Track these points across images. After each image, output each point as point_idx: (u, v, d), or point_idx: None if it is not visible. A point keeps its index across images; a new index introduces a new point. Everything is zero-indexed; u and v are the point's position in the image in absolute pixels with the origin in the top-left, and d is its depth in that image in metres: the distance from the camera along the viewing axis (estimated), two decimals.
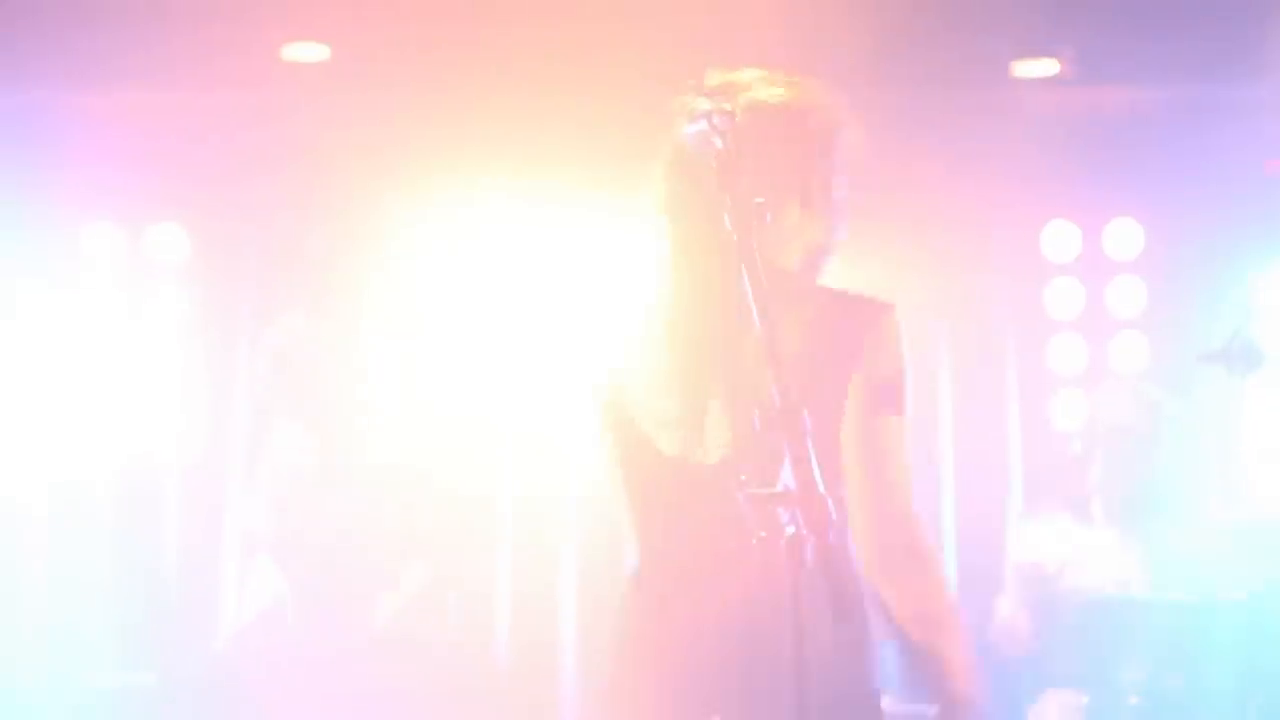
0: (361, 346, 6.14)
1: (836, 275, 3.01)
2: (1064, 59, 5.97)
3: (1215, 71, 5.90)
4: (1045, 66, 6.01)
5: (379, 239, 6.09)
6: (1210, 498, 5.87)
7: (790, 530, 2.36)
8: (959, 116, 6.00)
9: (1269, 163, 6.22)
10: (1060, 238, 6.58)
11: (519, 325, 6.20)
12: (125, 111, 6.00)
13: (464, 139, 5.88)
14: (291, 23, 5.74)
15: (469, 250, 6.24)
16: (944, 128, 5.94)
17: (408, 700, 5.44)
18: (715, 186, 2.60)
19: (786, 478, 2.38)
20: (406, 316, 6.23)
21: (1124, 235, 6.56)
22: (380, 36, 5.68)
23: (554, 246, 6.20)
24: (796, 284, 2.93)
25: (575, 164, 5.81)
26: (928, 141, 5.73)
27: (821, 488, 2.35)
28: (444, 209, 6.15)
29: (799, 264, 2.94)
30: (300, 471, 5.32)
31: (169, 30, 5.50)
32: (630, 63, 5.16)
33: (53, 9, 5.45)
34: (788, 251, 2.92)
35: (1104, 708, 5.11)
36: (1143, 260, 6.54)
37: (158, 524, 5.44)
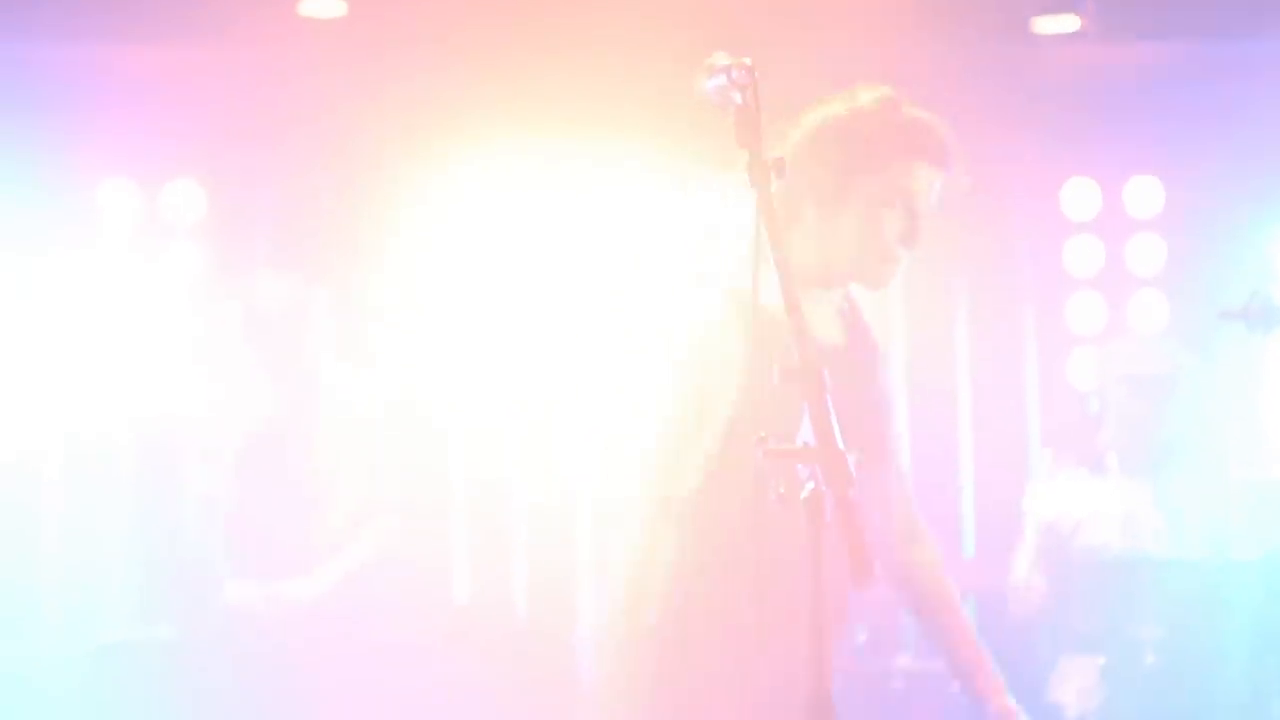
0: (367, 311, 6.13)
1: None
2: (1085, 15, 5.92)
3: (1237, 27, 5.86)
4: (1066, 22, 5.97)
5: (395, 197, 6.07)
6: (1228, 456, 5.85)
7: (809, 486, 2.36)
8: (979, 72, 5.96)
9: None
10: (1080, 195, 6.56)
11: (536, 287, 6.20)
12: (142, 69, 5.99)
13: (482, 96, 5.86)
14: None
15: (484, 209, 6.22)
16: (964, 84, 5.88)
17: (425, 657, 5.45)
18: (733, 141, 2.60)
19: (805, 434, 2.38)
20: (422, 279, 6.22)
21: (1144, 193, 6.53)
22: None
23: (573, 207, 6.19)
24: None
25: (595, 123, 5.79)
26: (947, 98, 5.67)
27: (840, 444, 2.34)
28: (461, 167, 6.14)
29: (876, 273, 3.03)
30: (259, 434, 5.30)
31: None
32: (656, 22, 5.13)
33: None
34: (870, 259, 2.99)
35: (1121, 666, 5.11)
36: (1163, 218, 6.51)
37: (173, 478, 5.43)
